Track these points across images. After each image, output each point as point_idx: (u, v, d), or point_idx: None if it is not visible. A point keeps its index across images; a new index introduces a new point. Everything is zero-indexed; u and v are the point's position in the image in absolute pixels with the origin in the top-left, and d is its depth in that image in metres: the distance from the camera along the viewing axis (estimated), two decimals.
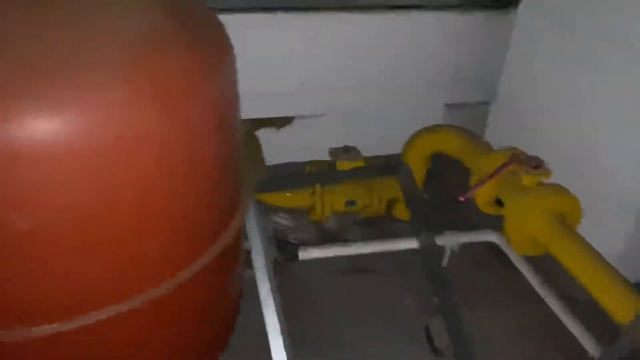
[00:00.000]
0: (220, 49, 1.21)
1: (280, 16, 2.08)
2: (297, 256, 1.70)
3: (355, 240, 2.12)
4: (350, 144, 2.25)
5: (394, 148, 2.31)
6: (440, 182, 2.20)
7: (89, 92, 0.94)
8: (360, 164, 2.05)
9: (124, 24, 1.05)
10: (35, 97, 0.91)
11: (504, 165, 1.66)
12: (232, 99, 1.26)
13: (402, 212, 2.13)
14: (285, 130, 2.35)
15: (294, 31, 2.11)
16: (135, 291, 1.14)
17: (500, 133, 2.34)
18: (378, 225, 2.17)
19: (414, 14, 2.20)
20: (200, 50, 1.12)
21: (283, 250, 1.70)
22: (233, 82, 1.26)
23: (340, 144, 2.28)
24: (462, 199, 1.67)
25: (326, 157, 2.24)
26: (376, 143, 2.31)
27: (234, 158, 1.31)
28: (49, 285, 1.05)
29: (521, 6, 2.13)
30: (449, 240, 1.83)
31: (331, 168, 2.09)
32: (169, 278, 1.19)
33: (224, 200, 1.31)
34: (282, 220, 2.12)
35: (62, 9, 1.02)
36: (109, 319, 1.10)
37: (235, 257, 1.49)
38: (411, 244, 1.81)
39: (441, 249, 1.84)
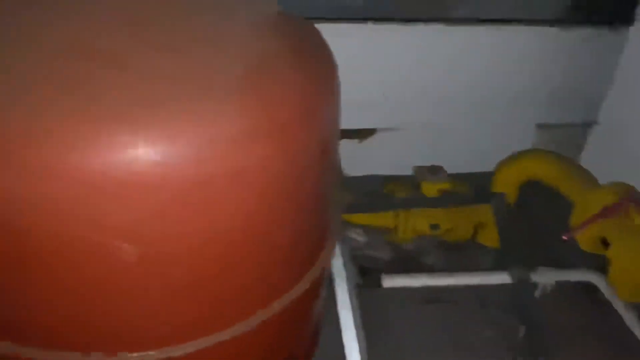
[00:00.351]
0: (329, 74, 1.13)
1: (369, 27, 2.00)
2: (381, 284, 1.62)
3: (434, 264, 2.03)
4: (432, 159, 2.15)
5: (479, 166, 2.20)
6: (531, 212, 2.05)
7: (201, 123, 0.89)
8: (446, 185, 1.94)
9: (234, 51, 0.99)
10: (148, 127, 0.86)
11: (618, 205, 1.52)
12: (335, 124, 1.18)
13: (488, 238, 2.00)
14: (367, 142, 2.27)
15: (382, 42, 2.04)
16: (230, 321, 1.10)
17: (599, 160, 2.17)
18: (460, 250, 2.06)
19: (508, 28, 2.07)
20: (312, 77, 1.05)
21: (366, 276, 1.62)
22: (338, 107, 1.18)
23: (421, 159, 2.18)
24: (565, 238, 1.53)
25: (407, 171, 2.15)
26: (460, 160, 2.20)
27: (332, 184, 1.24)
28: (149, 314, 1.01)
29: (637, 24, 1.96)
30: (544, 278, 1.70)
31: (415, 187, 1.99)
32: (263, 308, 1.13)
33: (320, 227, 1.24)
34: (356, 236, 2.05)
35: (172, 35, 0.97)
36: (204, 350, 1.06)
37: (323, 281, 1.43)
38: (503, 278, 1.69)
39: (534, 286, 1.71)
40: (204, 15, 1.03)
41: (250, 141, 0.92)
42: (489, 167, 2.11)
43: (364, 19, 1.99)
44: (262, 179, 0.96)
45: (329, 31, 1.78)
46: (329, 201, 1.26)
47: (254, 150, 0.93)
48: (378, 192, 2.07)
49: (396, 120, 2.22)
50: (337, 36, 1.89)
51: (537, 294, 1.73)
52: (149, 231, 0.91)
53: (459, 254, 2.07)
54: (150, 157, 0.86)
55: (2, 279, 0.93)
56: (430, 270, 1.96)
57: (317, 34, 1.24)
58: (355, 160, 2.18)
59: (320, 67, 1.12)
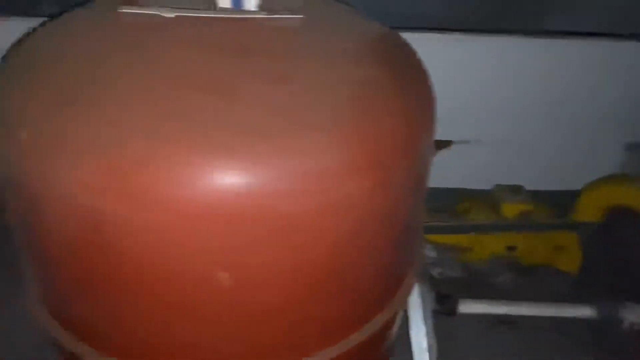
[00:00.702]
0: (428, 101, 1.09)
1: (452, 37, 1.93)
2: (456, 311, 1.57)
3: (504, 286, 1.95)
4: (510, 174, 2.07)
5: (560, 184, 2.09)
6: (619, 241, 1.93)
7: (300, 156, 0.86)
8: (528, 207, 1.86)
9: (336, 79, 0.96)
10: (250, 159, 0.84)
11: None
12: (431, 152, 1.14)
13: (565, 263, 1.91)
14: (442, 153, 2.20)
15: (463, 53, 1.96)
16: (313, 348, 1.08)
17: None
18: (535, 274, 1.97)
19: (599, 43, 1.95)
20: (413, 106, 1.01)
21: (442, 303, 1.56)
22: (433, 134, 1.13)
23: (499, 174, 2.10)
24: None
25: (482, 185, 2.07)
26: (541, 177, 2.11)
27: (422, 212, 1.19)
28: (236, 337, 1.01)
29: None
30: (633, 315, 1.60)
31: (493, 206, 1.91)
32: (345, 338, 1.11)
33: (406, 256, 1.20)
34: (427, 252, 1.99)
35: (275, 63, 0.95)
36: None
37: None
38: (585, 311, 1.60)
39: (620, 322, 1.61)
40: (308, 40, 1.01)
41: (348, 176, 0.89)
42: (571, 185, 2.01)
43: (446, 29, 1.93)
44: (358, 212, 0.93)
45: (409, 40, 1.77)
46: (417, 230, 1.22)
47: (352, 184, 0.90)
48: (453, 209, 2.00)
49: (474, 133, 2.14)
50: (418, 46, 1.87)
51: (622, 330, 1.63)
52: (244, 259, 0.91)
53: (532, 277, 1.99)
54: (252, 189, 0.84)
55: (105, 297, 0.95)
56: (500, 290, 1.90)
57: (414, 54, 1.20)
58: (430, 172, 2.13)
59: (420, 93, 1.08)
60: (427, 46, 1.85)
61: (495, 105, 2.05)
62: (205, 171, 0.83)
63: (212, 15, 0.96)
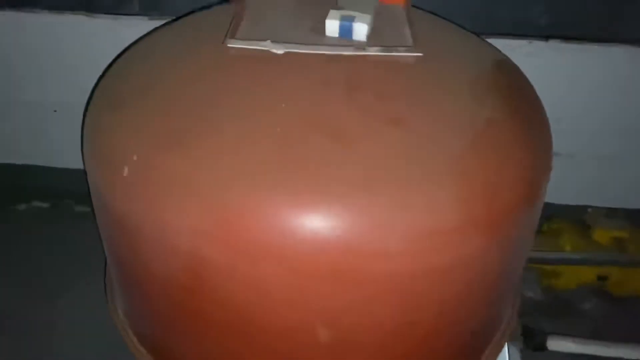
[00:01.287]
0: (548, 143, 0.99)
1: (553, 45, 1.79)
2: (545, 347, 1.48)
3: (591, 313, 1.83)
4: (602, 191, 1.93)
5: None
6: None
7: (413, 213, 0.79)
8: (623, 234, 1.72)
9: (452, 122, 0.87)
10: (358, 214, 0.78)
11: None
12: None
13: None
14: None
15: (564, 62, 1.81)
16: None
17: None
18: (626, 304, 1.84)
19: None
20: (536, 154, 0.92)
21: (529, 339, 1.47)
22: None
23: (591, 190, 1.96)
24: None
25: (573, 200, 1.94)
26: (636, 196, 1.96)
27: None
28: None
29: None
30: None
31: (584, 229, 1.78)
32: None
33: (507, 302, 1.13)
34: None
35: (382, 102, 0.87)
36: None
37: None
38: None
39: None
40: (423, 74, 0.92)
41: (466, 235, 0.82)
42: None
43: (547, 37, 1.79)
44: (471, 273, 0.86)
45: (512, 47, 1.63)
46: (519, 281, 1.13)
47: (469, 244, 0.83)
48: (539, 228, 1.88)
49: (567, 146, 2.00)
50: (517, 53, 1.76)
51: None
52: (346, 317, 0.85)
53: (622, 307, 1.85)
54: (362, 247, 0.79)
55: (193, 334, 0.93)
56: (588, 320, 1.78)
57: (527, 83, 1.10)
58: None
59: (541, 133, 0.98)
60: (526, 54, 1.77)
61: (594, 118, 1.91)
62: (313, 224, 0.78)
63: (323, 53, 0.89)
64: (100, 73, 1.79)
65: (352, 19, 0.94)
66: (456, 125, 0.87)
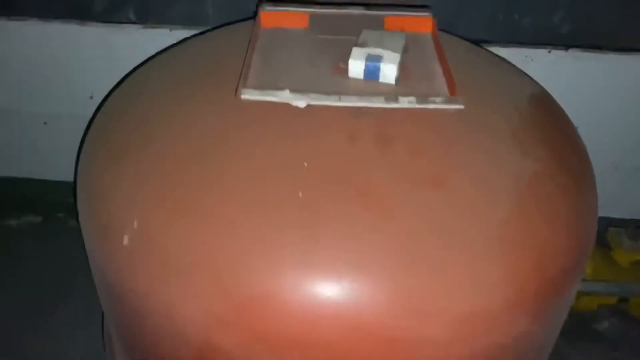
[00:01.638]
0: (592, 192, 0.89)
1: (574, 54, 1.70)
2: None
3: (608, 332, 1.77)
4: (622, 206, 1.85)
5: None
6: None
7: (450, 295, 0.70)
8: None
9: (494, 181, 0.77)
10: (396, 304, 0.69)
11: None
12: None
13: None
14: None
15: (585, 72, 1.72)
16: None
17: None
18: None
19: None
20: (581, 207, 0.82)
21: None
22: None
23: (609, 200, 1.87)
24: None
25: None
26: None
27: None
28: None
29: None
30: None
31: (604, 248, 1.70)
32: None
33: None
34: None
35: (416, 161, 0.77)
36: None
37: None
38: None
39: None
40: (460, 124, 0.82)
41: (515, 314, 0.73)
42: None
43: (569, 46, 1.69)
44: (516, 352, 0.77)
45: (538, 57, 1.57)
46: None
47: (517, 324, 0.74)
48: None
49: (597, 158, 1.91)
50: (537, 63, 1.66)
51: None
52: None
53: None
54: (401, 335, 0.70)
55: None
56: (607, 340, 1.72)
57: (566, 118, 1.00)
58: None
59: (586, 184, 0.88)
60: (547, 63, 1.67)
61: (614, 130, 1.82)
62: (344, 311, 0.69)
63: (349, 105, 0.78)
64: (91, 84, 1.69)
65: (379, 60, 0.83)
66: (500, 186, 0.77)
